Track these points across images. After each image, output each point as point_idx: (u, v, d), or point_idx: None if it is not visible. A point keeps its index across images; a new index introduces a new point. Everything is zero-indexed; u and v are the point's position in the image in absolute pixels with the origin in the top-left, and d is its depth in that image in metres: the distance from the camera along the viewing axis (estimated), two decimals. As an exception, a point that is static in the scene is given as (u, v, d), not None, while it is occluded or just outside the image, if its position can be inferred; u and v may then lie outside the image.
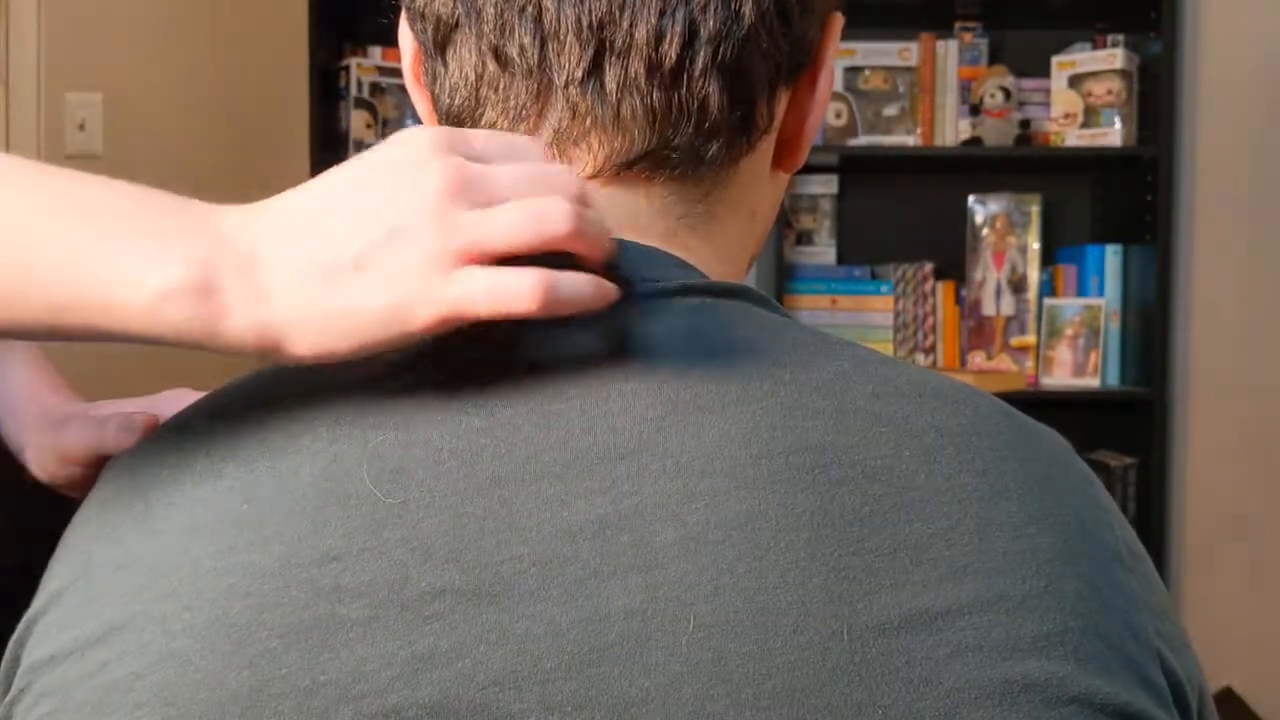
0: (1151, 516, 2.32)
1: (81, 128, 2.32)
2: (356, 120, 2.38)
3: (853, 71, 2.48)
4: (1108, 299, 2.40)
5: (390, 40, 0.53)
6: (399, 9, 0.52)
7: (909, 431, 0.43)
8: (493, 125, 0.48)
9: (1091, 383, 2.39)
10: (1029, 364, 2.45)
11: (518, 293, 0.39)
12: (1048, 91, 2.44)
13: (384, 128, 2.41)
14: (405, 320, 0.40)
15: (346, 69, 2.38)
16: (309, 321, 0.40)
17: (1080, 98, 2.38)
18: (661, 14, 0.45)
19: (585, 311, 0.40)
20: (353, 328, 0.40)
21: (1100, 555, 0.44)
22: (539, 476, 0.42)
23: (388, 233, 0.39)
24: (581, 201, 0.42)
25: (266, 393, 0.46)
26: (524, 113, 0.48)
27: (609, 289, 0.41)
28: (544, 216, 0.40)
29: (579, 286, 0.40)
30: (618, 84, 0.46)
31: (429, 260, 0.39)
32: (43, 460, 0.68)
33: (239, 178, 2.40)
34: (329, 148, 2.35)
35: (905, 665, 0.39)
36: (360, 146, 2.37)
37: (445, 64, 0.49)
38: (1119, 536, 0.45)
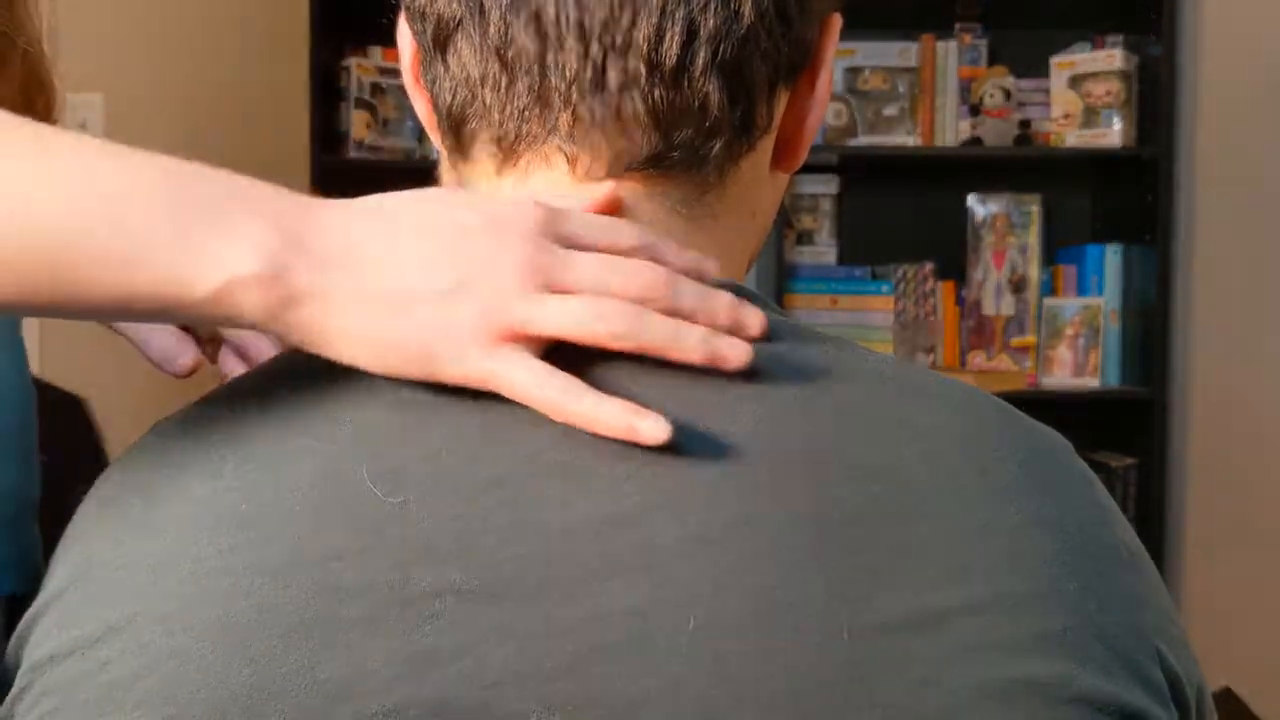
0: (1151, 516, 2.32)
1: (82, 127, 2.32)
2: (357, 120, 2.38)
3: (853, 71, 2.48)
4: (1108, 299, 2.40)
5: (390, 40, 0.53)
6: (399, 9, 0.52)
7: (910, 431, 0.44)
8: (493, 126, 0.48)
9: (1091, 383, 2.39)
10: (1029, 364, 2.45)
11: (539, 403, 0.42)
12: (1048, 91, 2.44)
13: (384, 127, 2.41)
14: (434, 369, 0.42)
15: (346, 69, 2.38)
16: (356, 336, 0.43)
17: (1080, 98, 2.38)
18: (662, 14, 0.45)
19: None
20: (389, 356, 0.43)
21: (1101, 555, 0.44)
22: (539, 476, 0.42)
23: (450, 289, 0.42)
24: (663, 291, 0.43)
25: (265, 393, 0.46)
26: (526, 114, 0.48)
27: (629, 430, 0.41)
28: (601, 318, 0.42)
29: (596, 417, 0.41)
30: (618, 84, 0.46)
31: (476, 327, 0.42)
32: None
33: (239, 178, 2.40)
34: (329, 148, 2.35)
35: (906, 665, 0.39)
36: (360, 146, 2.37)
37: (445, 64, 0.49)
38: (1119, 536, 0.45)
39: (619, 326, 0.42)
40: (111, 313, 0.44)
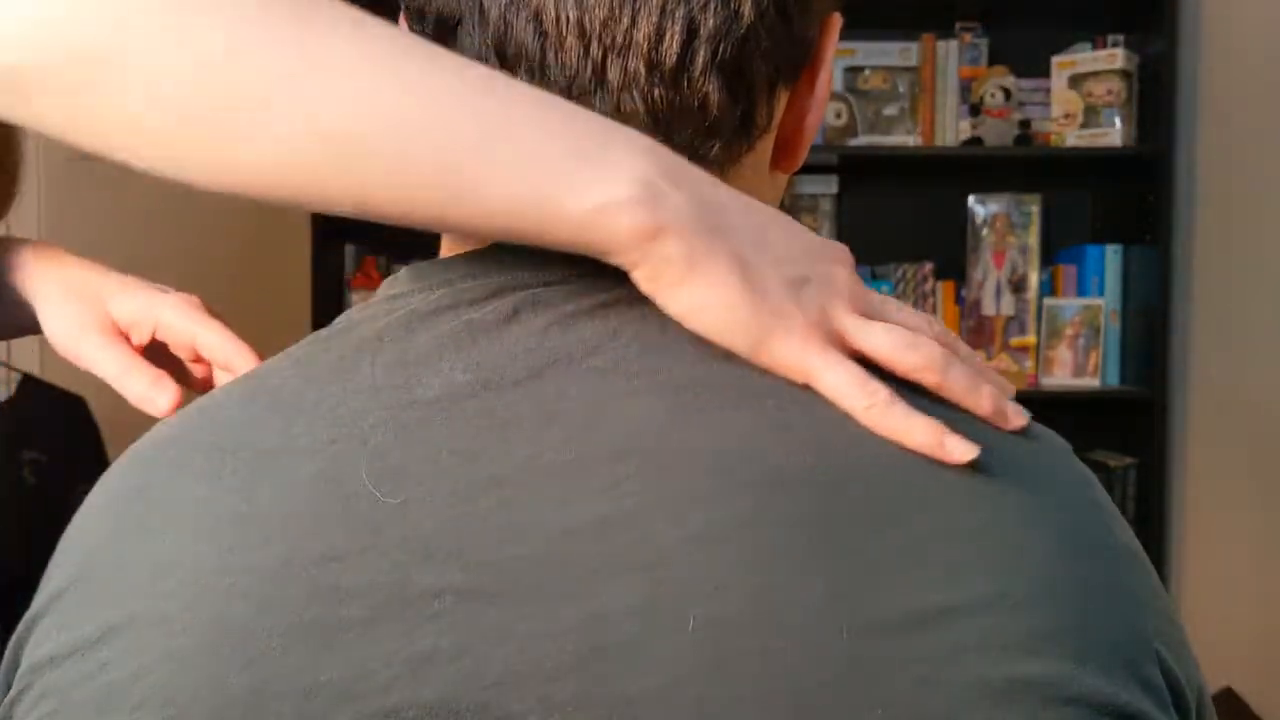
0: (1151, 516, 2.32)
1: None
2: (356, 120, 2.37)
3: (853, 71, 2.48)
4: (1108, 299, 2.40)
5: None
6: (399, 8, 0.52)
7: (909, 432, 0.44)
8: None
9: (1091, 383, 2.39)
10: (1029, 364, 2.45)
11: (855, 404, 0.43)
12: (1048, 91, 2.44)
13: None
14: (755, 345, 0.44)
15: (346, 69, 2.38)
16: (706, 289, 0.43)
17: (1080, 98, 2.38)
18: (662, 13, 0.45)
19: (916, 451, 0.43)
20: (729, 321, 0.44)
21: (1099, 556, 0.44)
22: (540, 476, 0.42)
23: (799, 282, 0.45)
24: (949, 341, 0.47)
25: (265, 393, 0.46)
26: None
27: (938, 446, 0.42)
28: (915, 349, 0.45)
29: (908, 429, 0.43)
30: (618, 84, 0.46)
31: (810, 321, 0.44)
32: (70, 329, 0.67)
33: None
34: (329, 148, 2.35)
35: (905, 664, 0.39)
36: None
37: (445, 63, 0.49)
38: (1118, 537, 0.45)
39: (930, 361, 0.45)
40: (483, 226, 0.44)
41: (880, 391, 0.43)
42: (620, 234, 0.42)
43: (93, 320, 0.67)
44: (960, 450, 0.42)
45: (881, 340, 0.45)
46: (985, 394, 0.46)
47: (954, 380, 0.45)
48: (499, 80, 0.44)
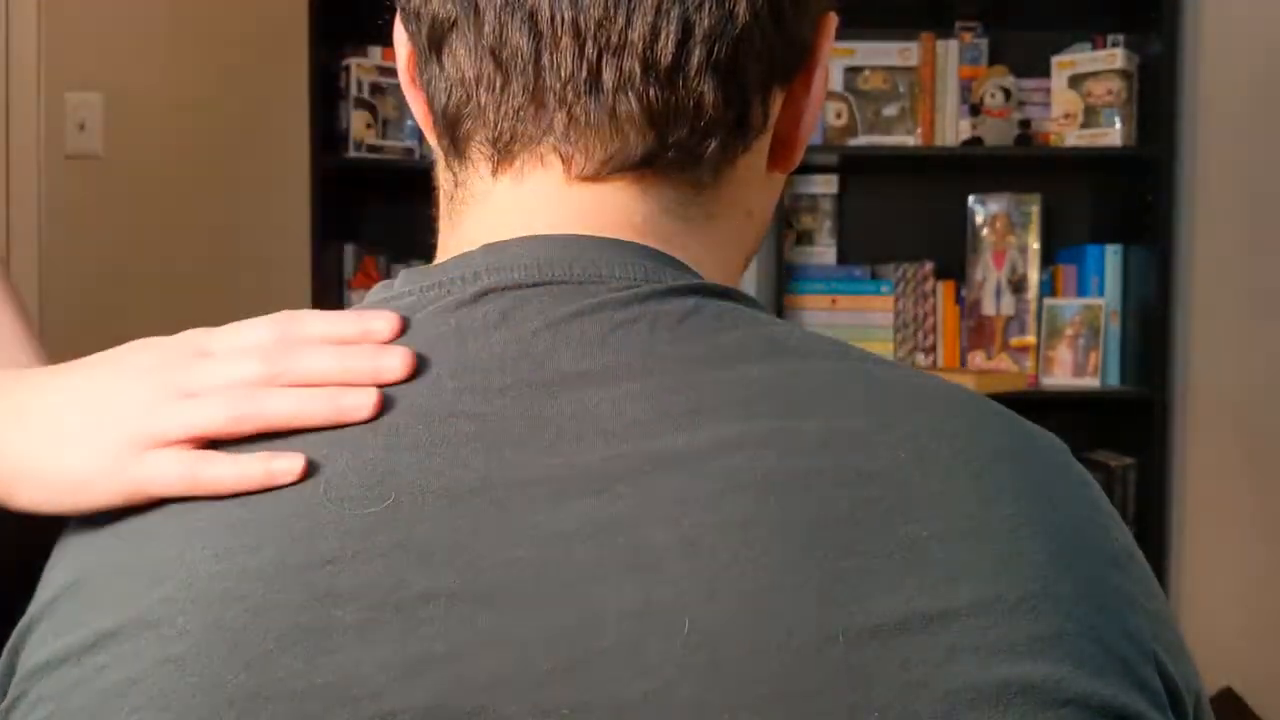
0: (1151, 516, 2.32)
1: (81, 128, 2.32)
2: (356, 120, 2.38)
3: (853, 71, 2.48)
4: (1108, 299, 2.40)
5: (390, 40, 0.53)
6: (395, 9, 0.52)
7: (904, 434, 0.43)
8: (489, 126, 0.48)
9: (1091, 383, 2.39)
10: (1029, 364, 2.45)
11: (189, 486, 0.44)
12: (1048, 91, 2.44)
13: (384, 128, 2.41)
14: (88, 498, 0.46)
15: (346, 69, 2.38)
16: (25, 485, 0.48)
17: (1080, 98, 2.38)
18: (657, 13, 0.45)
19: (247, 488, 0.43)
20: (51, 496, 0.47)
21: (1096, 558, 0.44)
22: (531, 479, 0.42)
23: (92, 425, 0.47)
24: (280, 367, 0.46)
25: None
26: (521, 114, 0.47)
27: (267, 477, 0.43)
28: (209, 416, 0.45)
29: (244, 475, 0.43)
30: (614, 84, 0.46)
31: (118, 450, 0.46)
32: None
33: (239, 178, 2.40)
34: (329, 148, 2.35)
35: (900, 668, 0.39)
36: (360, 146, 2.37)
37: (440, 65, 0.49)
38: (1115, 539, 0.45)
39: (231, 413, 0.45)
40: None
41: (180, 466, 0.44)
42: None
43: None
44: (285, 467, 0.42)
45: (200, 425, 0.45)
46: (317, 409, 0.44)
47: (275, 415, 0.44)
48: None
